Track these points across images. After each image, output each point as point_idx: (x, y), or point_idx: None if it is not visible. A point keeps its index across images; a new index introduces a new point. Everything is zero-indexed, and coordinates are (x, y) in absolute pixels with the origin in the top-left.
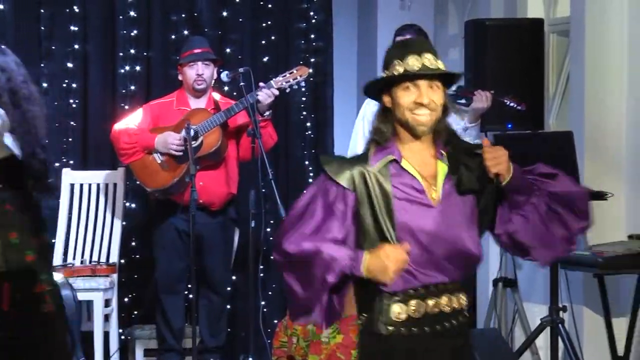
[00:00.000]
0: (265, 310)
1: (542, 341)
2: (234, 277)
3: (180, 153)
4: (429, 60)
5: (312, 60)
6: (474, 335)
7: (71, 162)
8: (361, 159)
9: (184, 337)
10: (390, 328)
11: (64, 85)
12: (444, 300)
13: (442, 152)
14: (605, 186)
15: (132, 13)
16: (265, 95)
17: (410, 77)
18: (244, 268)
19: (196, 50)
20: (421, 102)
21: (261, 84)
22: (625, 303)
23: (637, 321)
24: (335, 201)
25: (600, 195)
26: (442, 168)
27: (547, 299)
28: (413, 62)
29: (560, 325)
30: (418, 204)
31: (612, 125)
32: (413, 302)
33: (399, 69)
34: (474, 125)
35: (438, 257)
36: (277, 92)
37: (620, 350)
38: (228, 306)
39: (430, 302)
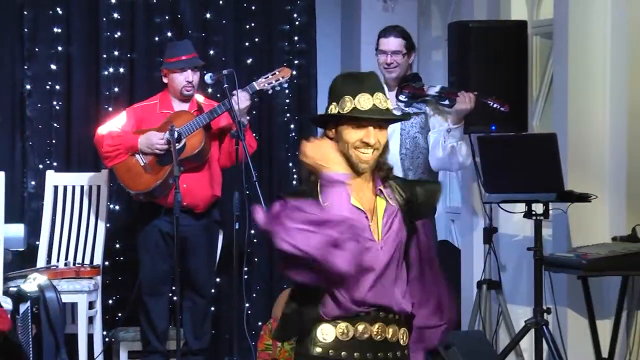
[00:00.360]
0: (249, 312)
1: (527, 343)
2: (218, 279)
3: (163, 152)
4: (379, 100)
5: (296, 62)
6: (458, 337)
7: (55, 164)
8: (313, 194)
9: (168, 339)
10: (319, 350)
11: (48, 87)
12: (376, 327)
13: (381, 188)
14: (588, 188)
15: (115, 15)
16: (240, 97)
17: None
18: (228, 270)
19: (184, 57)
20: (368, 142)
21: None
22: (609, 305)
23: (621, 323)
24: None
25: (584, 197)
26: (381, 204)
27: (531, 300)
28: (364, 102)
29: (544, 327)
30: (365, 234)
31: (596, 127)
32: (342, 325)
33: (349, 105)
34: (458, 126)
35: (378, 286)
36: (250, 94)
37: (605, 352)
38: (212, 308)
39: (360, 327)
